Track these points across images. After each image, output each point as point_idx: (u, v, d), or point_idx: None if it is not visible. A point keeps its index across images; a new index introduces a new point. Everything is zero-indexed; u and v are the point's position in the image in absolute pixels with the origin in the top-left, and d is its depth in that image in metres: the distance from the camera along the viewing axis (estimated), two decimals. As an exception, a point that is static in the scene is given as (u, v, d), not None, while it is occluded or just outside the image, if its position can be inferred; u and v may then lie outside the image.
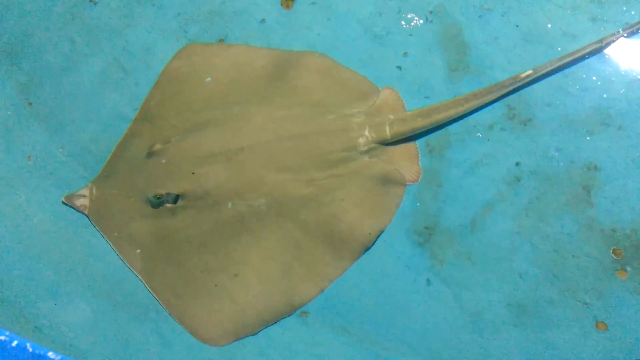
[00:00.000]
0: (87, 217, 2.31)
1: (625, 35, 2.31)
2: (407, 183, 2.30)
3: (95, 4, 2.70)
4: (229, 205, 2.20)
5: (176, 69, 2.55)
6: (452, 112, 2.30)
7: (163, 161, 2.23)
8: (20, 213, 2.38)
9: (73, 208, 2.31)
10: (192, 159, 2.21)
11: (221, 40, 2.62)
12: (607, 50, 2.32)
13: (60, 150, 2.50)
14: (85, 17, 2.69)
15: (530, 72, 2.29)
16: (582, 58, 2.32)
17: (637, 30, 2.32)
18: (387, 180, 2.28)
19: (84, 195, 2.31)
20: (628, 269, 2.11)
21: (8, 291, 2.25)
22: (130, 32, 2.65)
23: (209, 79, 2.45)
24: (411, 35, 2.49)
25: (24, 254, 2.33)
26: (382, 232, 2.25)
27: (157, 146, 2.26)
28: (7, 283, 2.26)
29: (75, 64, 2.62)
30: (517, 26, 2.42)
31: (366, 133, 2.27)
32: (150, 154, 2.27)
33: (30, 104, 2.57)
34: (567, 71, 2.33)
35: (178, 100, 2.46)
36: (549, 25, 2.40)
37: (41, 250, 2.35)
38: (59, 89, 2.59)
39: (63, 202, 2.32)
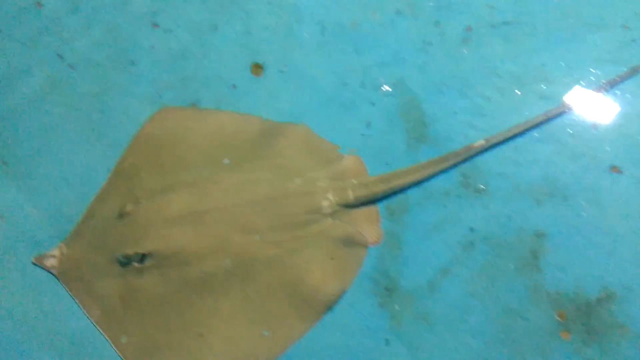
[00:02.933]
0: (56, 277, 2.36)
1: (568, 110, 2.50)
2: (369, 245, 2.42)
3: (73, 68, 2.82)
4: (196, 265, 2.28)
5: (150, 132, 2.66)
6: (411, 178, 2.44)
7: (133, 221, 2.32)
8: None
9: (43, 268, 2.37)
10: (161, 220, 2.30)
11: (193, 104, 2.75)
12: (552, 124, 2.51)
13: (33, 209, 2.56)
14: (63, 81, 2.80)
15: (482, 142, 2.46)
16: (530, 130, 2.50)
17: (582, 104, 2.51)
18: (350, 242, 2.39)
19: (54, 256, 2.36)
20: (571, 330, 2.24)
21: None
22: (107, 96, 2.76)
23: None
24: (374, 105, 2.65)
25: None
26: (344, 292, 2.35)
27: (128, 207, 2.34)
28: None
29: (52, 126, 2.70)
30: (472, 100, 2.60)
31: (330, 196, 2.39)
32: (121, 215, 2.34)
33: (5, 163, 2.64)
34: (517, 143, 2.50)
35: (150, 163, 2.56)
36: (501, 100, 2.58)
37: (6, 311, 2.39)
38: (35, 149, 2.66)
39: (33, 263, 2.37)
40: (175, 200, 2.33)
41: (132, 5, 2.93)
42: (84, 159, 2.65)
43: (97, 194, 2.53)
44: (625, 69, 2.54)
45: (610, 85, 2.52)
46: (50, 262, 2.36)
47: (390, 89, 2.67)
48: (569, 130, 2.50)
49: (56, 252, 2.37)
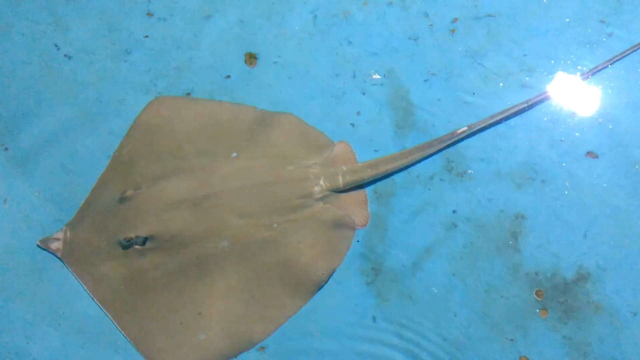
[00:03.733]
0: (61, 260, 2.47)
1: (547, 99, 2.62)
2: (357, 227, 2.55)
3: (69, 58, 2.90)
4: (194, 247, 2.40)
5: (146, 121, 2.76)
6: (398, 164, 2.56)
7: (134, 206, 2.43)
8: (-4, 256, 2.56)
9: (47, 251, 2.48)
10: (161, 205, 2.41)
11: (188, 94, 2.84)
12: (532, 111, 2.63)
13: (36, 194, 2.66)
14: (60, 70, 2.88)
15: (465, 128, 2.57)
16: (511, 117, 2.62)
17: (561, 93, 2.63)
18: (339, 225, 2.51)
19: (59, 239, 2.47)
20: (548, 308, 2.39)
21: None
22: (103, 85, 2.85)
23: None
24: (364, 95, 2.76)
25: (1, 297, 2.49)
26: (333, 272, 2.48)
27: (129, 192, 2.45)
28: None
29: (50, 113, 2.79)
30: (457, 89, 2.71)
31: (321, 182, 2.51)
32: (122, 200, 2.45)
33: (6, 149, 2.73)
34: (498, 129, 2.62)
35: (148, 150, 2.66)
36: (485, 89, 2.70)
37: (15, 293, 2.51)
38: (35, 135, 2.75)
39: (38, 246, 2.48)
40: (174, 186, 2.44)
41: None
42: (83, 146, 2.75)
43: (98, 179, 2.63)
44: (601, 61, 2.65)
45: (588, 76, 2.64)
46: (55, 245, 2.46)
47: (379, 77, 2.77)
48: (548, 117, 2.62)
49: (60, 235, 2.48)
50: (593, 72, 2.64)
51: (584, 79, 2.64)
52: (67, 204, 2.64)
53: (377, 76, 2.77)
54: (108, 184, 2.61)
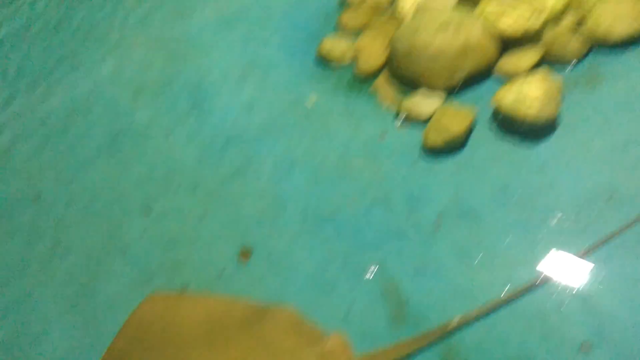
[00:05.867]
0: None
1: (536, 287, 2.68)
2: None
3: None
4: None
5: (139, 318, 2.74)
6: (395, 355, 2.54)
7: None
8: None
9: None
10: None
11: (184, 289, 2.87)
12: (523, 301, 2.67)
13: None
14: (54, 269, 2.93)
15: (457, 319, 2.59)
16: (501, 308, 2.65)
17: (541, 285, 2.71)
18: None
19: None
20: None
21: None
22: (98, 283, 2.89)
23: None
24: (355, 287, 2.81)
25: None
26: None
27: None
28: None
29: (43, 310, 2.79)
30: (448, 282, 2.78)
31: (316, 379, 2.46)
32: (110, 402, 2.36)
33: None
34: (490, 321, 2.63)
35: (140, 348, 2.61)
36: (475, 280, 2.77)
37: None
38: (24, 334, 2.71)
39: None
40: (164, 386, 2.37)
41: (125, 195, 3.16)
42: (71, 346, 2.69)
43: (85, 381, 2.55)
44: (592, 242, 2.74)
45: (581, 256, 2.72)
46: None
47: (371, 275, 2.85)
48: (539, 306, 2.65)
49: None
50: (585, 254, 2.72)
51: (579, 259, 2.71)
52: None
53: (370, 273, 2.85)
54: (96, 385, 2.52)
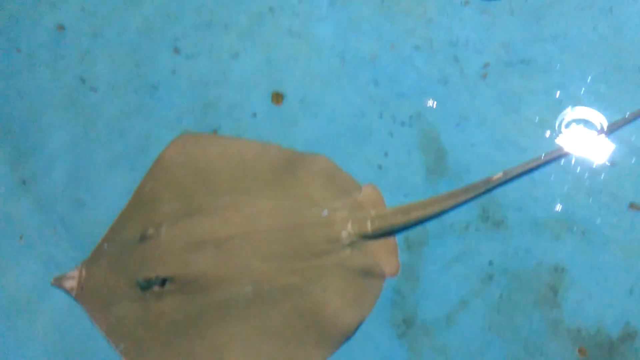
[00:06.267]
0: (76, 300, 2.35)
1: (584, 147, 2.52)
2: (387, 276, 2.42)
3: (94, 91, 2.85)
4: (216, 291, 2.28)
5: (170, 158, 2.68)
6: (430, 210, 2.45)
7: (154, 246, 2.32)
8: (8, 293, 2.42)
9: (62, 290, 2.36)
10: (182, 245, 2.30)
11: (214, 131, 2.77)
12: (569, 160, 2.53)
13: (53, 230, 2.56)
14: (84, 103, 2.83)
15: (500, 174, 2.47)
16: (547, 164, 2.52)
17: (597, 139, 2.54)
18: (368, 273, 2.39)
19: (73, 277, 2.36)
20: (594, 368, 2.23)
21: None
22: (127, 120, 2.79)
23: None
24: (392, 136, 2.68)
25: (14, 338, 2.35)
26: (361, 323, 2.34)
27: (150, 231, 2.35)
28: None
29: (71, 147, 2.74)
30: (491, 135, 2.62)
31: (349, 227, 2.40)
32: (142, 238, 2.35)
33: (24, 182, 2.65)
34: (534, 177, 2.52)
35: (171, 188, 2.57)
36: (519, 137, 2.61)
37: (27, 332, 2.37)
38: (54, 169, 2.68)
39: (52, 284, 2.37)
40: (197, 226, 2.34)
41: (154, 31, 2.97)
42: (103, 182, 2.68)
43: (117, 217, 2.53)
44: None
45: (628, 121, 2.55)
46: (69, 284, 2.35)
47: (410, 125, 2.69)
48: (586, 166, 2.51)
49: (75, 274, 2.37)
50: (634, 118, 2.55)
51: (623, 125, 2.54)
52: (84, 241, 2.54)
53: (402, 124, 2.69)
54: (128, 222, 2.51)
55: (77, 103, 2.83)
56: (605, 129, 2.54)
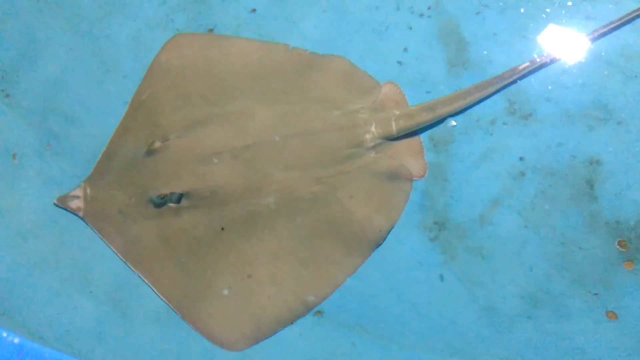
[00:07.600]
0: (83, 219, 2.16)
1: (617, 28, 2.36)
2: (414, 178, 2.29)
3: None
4: (237, 204, 2.12)
5: (166, 61, 2.43)
6: (457, 106, 2.30)
7: (164, 159, 2.12)
8: (11, 217, 2.20)
9: (67, 210, 2.16)
10: (196, 157, 2.11)
11: (210, 30, 2.51)
12: (600, 44, 2.37)
13: (47, 147, 2.32)
14: (64, 3, 2.50)
15: (527, 64, 2.32)
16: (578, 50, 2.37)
17: (628, 22, 2.38)
18: (394, 176, 2.25)
19: (78, 196, 2.16)
20: (634, 259, 2.17)
21: (7, 302, 2.10)
22: (113, 21, 2.50)
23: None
24: (410, 29, 2.46)
25: (19, 262, 2.16)
26: (392, 228, 2.23)
27: (157, 143, 2.14)
28: (5, 293, 2.11)
29: (54, 53, 2.48)
30: (514, 23, 2.44)
31: (372, 129, 2.24)
32: (150, 152, 2.14)
33: (7, 95, 2.38)
34: (563, 65, 2.37)
35: (172, 94, 2.34)
36: (545, 22, 2.43)
37: (38, 257, 2.18)
38: (39, 80, 2.43)
39: (55, 204, 2.16)
40: (208, 136, 2.15)
41: None
42: (95, 91, 2.42)
43: (115, 129, 2.30)
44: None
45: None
46: (74, 204, 2.16)
47: (429, 15, 2.47)
48: (618, 50, 2.36)
49: (79, 192, 2.18)
50: None
51: None
52: (82, 157, 2.32)
53: (420, 15, 2.47)
54: (128, 134, 2.29)
55: (55, 4, 2.50)
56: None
